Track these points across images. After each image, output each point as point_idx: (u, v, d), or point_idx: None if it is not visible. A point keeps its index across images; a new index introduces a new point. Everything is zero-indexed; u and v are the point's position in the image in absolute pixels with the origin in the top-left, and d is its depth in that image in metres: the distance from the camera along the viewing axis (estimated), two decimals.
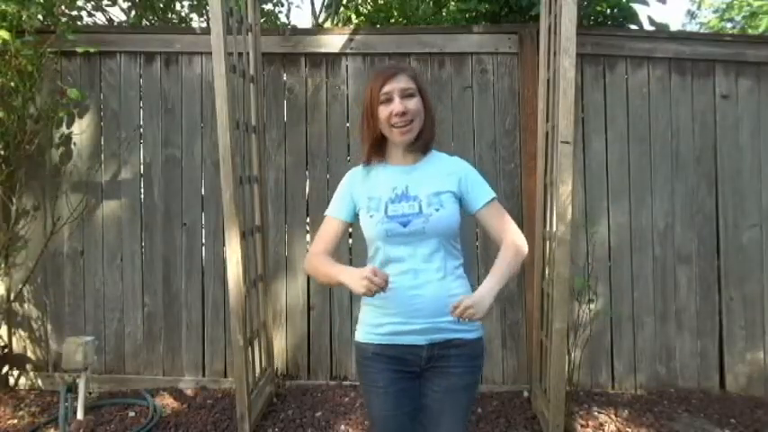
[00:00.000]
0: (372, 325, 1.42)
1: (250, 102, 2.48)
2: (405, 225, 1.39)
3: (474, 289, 1.36)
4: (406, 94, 1.40)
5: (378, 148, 1.46)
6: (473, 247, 2.75)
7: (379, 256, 1.43)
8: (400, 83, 1.40)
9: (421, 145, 1.45)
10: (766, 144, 2.74)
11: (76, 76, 2.77)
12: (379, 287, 1.23)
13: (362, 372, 1.44)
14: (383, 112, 1.40)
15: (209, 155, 2.77)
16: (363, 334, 1.44)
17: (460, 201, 1.46)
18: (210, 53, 2.09)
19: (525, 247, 1.45)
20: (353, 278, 1.26)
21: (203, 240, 2.79)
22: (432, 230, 1.39)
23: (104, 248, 2.78)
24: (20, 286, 2.73)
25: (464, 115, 2.75)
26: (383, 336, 1.40)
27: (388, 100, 1.40)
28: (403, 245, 1.40)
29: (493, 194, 1.48)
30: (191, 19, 4.51)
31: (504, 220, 1.48)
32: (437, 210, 1.40)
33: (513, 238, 1.44)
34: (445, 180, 1.46)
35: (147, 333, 2.78)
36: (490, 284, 1.35)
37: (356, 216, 1.49)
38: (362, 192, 1.47)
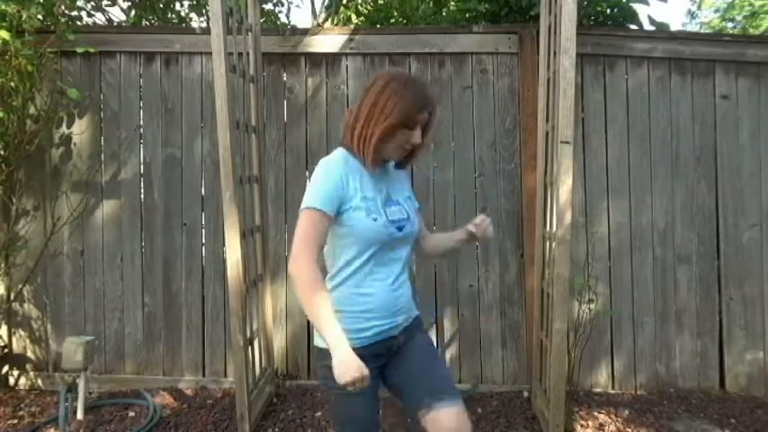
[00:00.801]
0: (354, 331, 1.36)
1: (250, 102, 2.48)
2: (400, 230, 1.43)
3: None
4: (423, 126, 1.40)
5: (365, 150, 1.39)
6: (473, 247, 2.74)
7: (362, 258, 1.39)
8: (426, 114, 1.39)
9: (406, 162, 1.49)
10: (766, 144, 2.74)
11: (76, 76, 2.77)
12: (356, 389, 1.22)
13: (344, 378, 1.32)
14: (405, 133, 1.37)
15: (209, 155, 2.77)
16: (357, 339, 1.37)
17: None
18: (210, 53, 2.09)
19: None
20: (346, 364, 1.21)
21: (203, 240, 2.79)
22: (412, 235, 1.48)
23: (104, 248, 2.78)
24: (20, 286, 2.73)
25: (464, 115, 2.75)
26: (368, 338, 1.39)
27: (414, 126, 1.37)
28: (394, 249, 1.43)
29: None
30: (190, 19, 4.51)
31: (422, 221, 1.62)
32: (414, 216, 1.50)
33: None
34: (405, 186, 1.55)
35: (147, 333, 2.78)
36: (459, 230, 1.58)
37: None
38: (354, 189, 1.39)
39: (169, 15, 4.31)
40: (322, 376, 1.41)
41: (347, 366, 1.21)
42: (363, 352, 1.30)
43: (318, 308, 1.28)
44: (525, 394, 2.66)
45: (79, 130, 2.77)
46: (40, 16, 2.61)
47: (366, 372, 1.22)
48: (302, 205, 1.36)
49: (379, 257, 1.41)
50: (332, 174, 1.38)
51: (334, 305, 1.33)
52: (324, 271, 1.42)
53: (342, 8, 5.06)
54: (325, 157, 1.44)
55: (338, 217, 1.37)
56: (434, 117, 1.42)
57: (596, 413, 2.45)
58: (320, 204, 1.33)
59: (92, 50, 2.66)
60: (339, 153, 1.45)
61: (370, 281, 1.40)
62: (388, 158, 1.44)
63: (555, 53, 2.23)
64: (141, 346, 2.79)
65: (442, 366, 1.52)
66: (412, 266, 1.58)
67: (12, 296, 2.73)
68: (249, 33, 2.46)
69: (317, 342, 1.42)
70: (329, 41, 2.75)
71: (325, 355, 1.31)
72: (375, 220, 1.38)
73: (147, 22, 4.14)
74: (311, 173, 2.79)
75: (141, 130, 2.79)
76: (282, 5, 4.70)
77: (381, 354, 1.43)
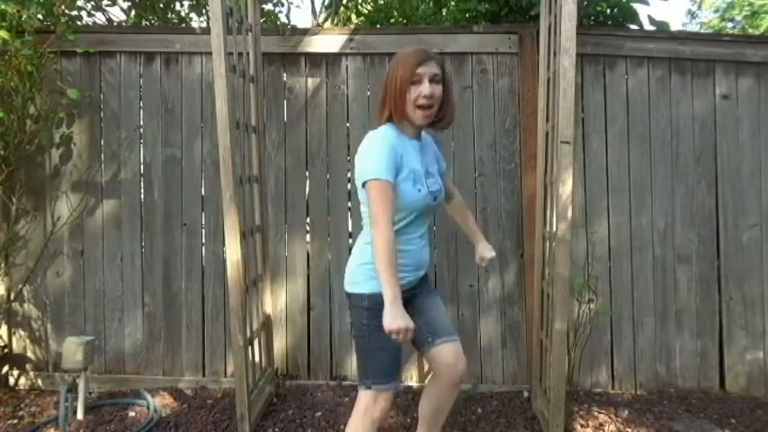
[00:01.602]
0: (398, 276, 1.54)
1: (250, 102, 2.48)
2: (435, 199, 1.67)
3: None
4: (434, 80, 1.57)
5: (397, 120, 1.61)
6: (473, 247, 2.75)
7: (403, 222, 1.62)
8: (431, 68, 1.57)
9: (442, 127, 1.70)
10: (766, 144, 2.74)
11: (76, 76, 2.77)
12: (399, 338, 1.43)
13: (378, 315, 1.49)
14: (412, 91, 1.55)
15: (209, 155, 2.77)
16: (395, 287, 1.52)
17: None
18: (210, 53, 2.09)
19: None
20: (398, 318, 1.41)
21: (203, 240, 2.79)
22: (442, 203, 1.77)
23: (104, 248, 2.78)
24: (20, 286, 2.73)
25: (464, 115, 2.75)
26: (403, 286, 1.58)
27: (419, 81, 1.55)
28: (427, 214, 1.69)
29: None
30: (190, 19, 4.51)
31: (451, 181, 2.01)
32: (444, 186, 1.75)
33: (458, 194, 1.99)
34: (436, 156, 1.79)
35: (147, 333, 2.78)
36: (482, 236, 1.95)
37: None
38: (404, 160, 1.58)
39: (169, 15, 4.31)
40: (358, 315, 1.63)
41: (399, 320, 1.41)
42: (401, 295, 1.52)
43: (388, 267, 1.46)
44: (525, 394, 2.66)
45: (79, 130, 2.77)
46: (39, 16, 2.61)
47: (412, 325, 1.43)
48: (366, 177, 1.52)
49: (416, 221, 1.64)
50: (387, 145, 1.55)
51: (372, 258, 1.53)
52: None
53: (342, 8, 5.06)
54: (374, 131, 1.62)
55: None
56: (438, 70, 1.59)
57: (596, 413, 2.45)
58: (384, 174, 1.50)
59: (92, 50, 2.66)
60: (386, 128, 1.62)
61: (406, 240, 1.63)
62: (419, 123, 1.60)
63: (555, 53, 2.23)
64: (141, 346, 2.79)
65: (445, 315, 1.79)
66: None
67: (12, 296, 2.73)
68: (249, 33, 2.46)
69: (350, 289, 1.67)
70: (329, 41, 2.75)
71: (360, 297, 1.62)
72: (420, 190, 1.59)
73: (147, 22, 4.14)
74: (311, 173, 2.81)
75: (141, 130, 2.79)
76: (282, 5, 4.70)
77: (407, 299, 1.59)
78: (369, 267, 1.61)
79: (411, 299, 1.70)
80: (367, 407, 1.62)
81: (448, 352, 1.71)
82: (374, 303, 1.55)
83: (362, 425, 1.63)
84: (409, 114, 1.58)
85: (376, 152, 1.53)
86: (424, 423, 1.85)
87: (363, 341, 1.64)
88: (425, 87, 1.55)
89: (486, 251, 1.87)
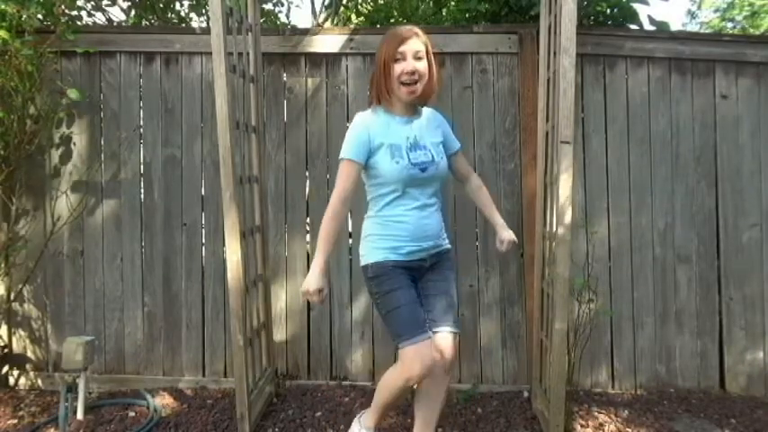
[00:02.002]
0: (391, 249, 1.75)
1: (250, 102, 2.48)
2: (423, 170, 1.73)
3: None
4: (416, 57, 1.69)
5: (384, 98, 1.75)
6: (473, 247, 2.75)
7: (394, 194, 1.74)
8: (413, 46, 1.68)
9: (421, 101, 1.79)
10: (766, 144, 2.74)
11: (76, 76, 2.77)
12: (311, 301, 1.71)
13: (385, 279, 1.73)
14: (396, 69, 1.68)
15: (209, 155, 2.77)
16: (382, 256, 1.75)
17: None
18: (210, 53, 2.09)
19: None
20: (309, 279, 1.67)
21: (203, 240, 2.79)
22: (438, 175, 1.79)
23: (104, 248, 2.78)
24: (20, 286, 2.73)
25: (464, 115, 2.75)
26: (403, 255, 1.75)
27: (402, 59, 1.68)
28: (418, 186, 1.75)
29: (459, 144, 1.96)
30: (190, 19, 4.51)
31: (467, 164, 2.03)
32: (441, 158, 1.79)
33: (476, 176, 2.01)
34: (437, 132, 1.84)
35: (147, 333, 2.78)
36: (502, 220, 1.97)
37: (368, 159, 1.73)
38: (380, 137, 1.72)
39: (169, 15, 4.31)
40: (368, 285, 1.82)
41: (309, 284, 1.66)
42: (398, 264, 1.74)
43: (321, 234, 1.70)
44: (525, 394, 2.66)
45: (79, 130, 2.77)
46: (39, 16, 2.61)
47: (319, 287, 1.66)
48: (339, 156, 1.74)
49: (408, 192, 1.74)
50: (356, 126, 1.75)
51: (376, 230, 1.78)
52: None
53: (342, 8, 5.06)
54: (357, 114, 1.81)
55: (369, 161, 1.73)
56: (421, 47, 1.70)
57: (596, 413, 2.45)
58: (348, 154, 1.71)
59: (92, 50, 2.66)
60: (367, 111, 1.80)
61: (402, 211, 1.75)
62: (405, 99, 1.73)
63: (555, 53, 2.23)
64: (141, 346, 2.79)
65: (448, 301, 1.82)
66: (442, 202, 1.89)
67: (12, 296, 2.73)
68: (249, 33, 2.46)
69: (360, 262, 1.82)
70: (329, 41, 2.75)
71: (365, 268, 1.79)
72: (398, 162, 1.70)
73: (147, 22, 4.14)
74: (311, 173, 2.81)
75: (141, 130, 2.79)
76: (282, 5, 4.71)
77: (414, 268, 1.78)
78: (369, 239, 1.79)
79: (424, 273, 1.81)
80: (403, 365, 1.70)
81: (439, 341, 1.76)
82: (375, 272, 1.75)
83: (397, 382, 1.74)
84: (395, 91, 1.71)
85: (348, 134, 1.75)
86: (418, 415, 1.88)
87: (378, 307, 1.80)
88: (408, 64, 1.67)
89: (504, 232, 1.92)
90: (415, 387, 1.81)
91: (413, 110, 1.81)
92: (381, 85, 1.73)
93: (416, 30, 1.73)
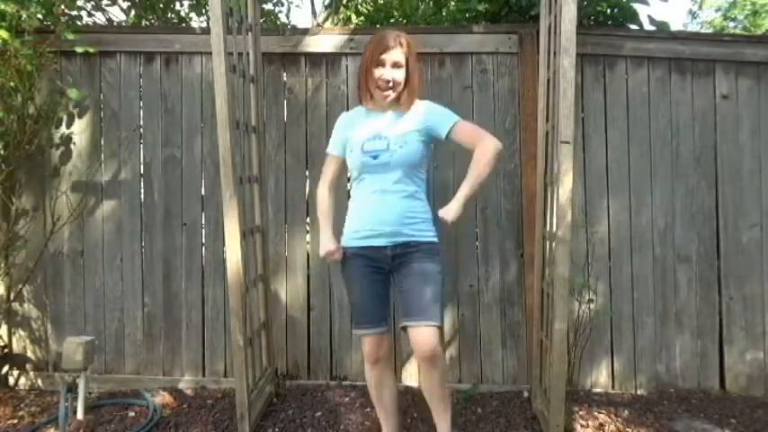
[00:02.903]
0: (351, 231, 1.92)
1: (250, 102, 2.48)
2: (375, 158, 1.84)
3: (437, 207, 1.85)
4: (396, 66, 1.82)
5: (363, 94, 1.91)
6: (473, 247, 2.75)
7: (356, 180, 1.93)
8: (393, 56, 1.81)
9: (397, 104, 1.90)
10: (766, 144, 2.74)
11: (76, 76, 2.77)
12: (331, 261, 1.96)
13: (345, 268, 1.94)
14: (375, 73, 1.82)
15: (209, 155, 2.77)
16: (346, 240, 1.94)
17: (430, 136, 1.90)
18: (210, 53, 2.09)
19: (496, 145, 1.83)
20: (324, 243, 1.93)
21: (203, 240, 2.79)
22: (396, 163, 1.84)
23: (104, 248, 2.78)
24: (20, 286, 2.73)
25: (464, 115, 2.68)
26: (358, 239, 1.89)
27: (381, 65, 1.81)
28: (375, 172, 1.86)
29: (455, 118, 1.89)
30: (190, 19, 4.51)
31: (474, 132, 1.89)
32: (401, 147, 1.84)
33: (484, 144, 1.83)
34: (411, 122, 1.88)
35: (147, 333, 2.78)
36: (459, 194, 1.78)
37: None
38: (348, 131, 1.96)
39: (169, 15, 4.31)
40: (341, 271, 2.01)
41: (326, 244, 1.93)
42: (356, 251, 1.89)
43: (318, 213, 2.02)
44: (525, 394, 2.66)
45: (79, 130, 2.77)
46: (39, 16, 2.61)
47: (332, 247, 1.91)
48: None
49: (365, 178, 1.88)
50: (336, 126, 2.04)
51: (347, 214, 1.97)
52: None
53: (342, 8, 5.06)
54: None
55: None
56: (401, 57, 1.81)
57: (596, 413, 2.45)
58: (329, 149, 2.04)
59: (91, 50, 2.66)
60: (353, 109, 2.04)
61: (361, 195, 1.90)
62: (379, 101, 1.88)
63: (555, 53, 2.23)
64: (141, 346, 2.79)
65: (418, 295, 1.80)
66: (419, 193, 1.91)
67: (12, 296, 2.73)
68: (249, 33, 2.46)
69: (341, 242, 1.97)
70: (329, 41, 2.75)
71: (343, 251, 1.96)
72: (351, 152, 1.91)
73: (147, 22, 4.14)
74: (311, 173, 2.81)
75: (141, 130, 2.79)
76: (282, 5, 4.71)
77: (375, 258, 1.87)
78: (347, 220, 1.98)
79: (397, 267, 1.86)
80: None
81: (414, 334, 1.82)
82: (344, 256, 1.94)
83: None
84: (372, 91, 1.86)
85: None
86: (430, 406, 1.97)
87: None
88: (386, 72, 1.81)
89: (446, 211, 1.77)
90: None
91: (392, 106, 1.91)
92: (362, 82, 1.89)
93: (402, 39, 1.83)
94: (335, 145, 2.01)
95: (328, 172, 2.02)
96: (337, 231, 1.99)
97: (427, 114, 1.91)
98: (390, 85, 1.82)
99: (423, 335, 1.78)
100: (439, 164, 2.73)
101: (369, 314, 1.88)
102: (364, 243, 1.87)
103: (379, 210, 1.84)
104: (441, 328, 1.89)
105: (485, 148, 1.82)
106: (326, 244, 1.92)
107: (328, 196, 2.01)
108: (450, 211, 1.75)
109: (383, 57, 1.80)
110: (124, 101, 2.78)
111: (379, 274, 1.89)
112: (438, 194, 2.74)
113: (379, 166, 1.84)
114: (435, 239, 1.91)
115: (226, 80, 2.06)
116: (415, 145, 1.86)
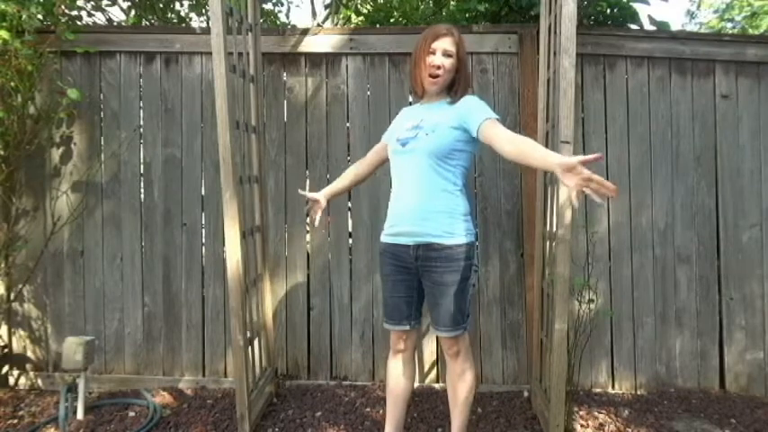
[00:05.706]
0: (387, 226, 1.92)
1: (250, 102, 2.48)
2: (404, 145, 1.85)
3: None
4: (446, 54, 1.82)
5: (416, 87, 1.90)
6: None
7: (392, 168, 1.93)
8: (444, 44, 1.81)
9: (447, 94, 1.89)
10: (766, 144, 2.74)
11: (76, 76, 2.77)
12: (309, 209, 2.08)
13: (381, 266, 1.96)
14: (426, 61, 1.83)
15: (209, 155, 2.77)
16: (382, 235, 1.95)
17: (464, 129, 1.78)
18: (210, 53, 2.09)
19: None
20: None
21: (203, 240, 2.79)
22: (422, 150, 1.79)
23: (104, 248, 2.78)
24: (20, 286, 2.73)
25: None
26: (387, 236, 1.91)
27: (433, 53, 1.82)
28: (403, 160, 1.85)
29: (489, 115, 1.74)
30: (190, 19, 4.52)
31: (507, 131, 1.67)
32: (427, 134, 1.80)
33: (516, 137, 1.63)
34: (448, 114, 1.82)
35: (147, 333, 2.78)
36: (554, 157, 1.54)
37: None
38: (398, 124, 2.00)
39: (169, 15, 4.31)
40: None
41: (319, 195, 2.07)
42: (385, 247, 1.92)
43: (348, 171, 2.13)
44: (525, 394, 2.66)
45: (79, 130, 2.77)
46: (39, 16, 2.61)
47: (314, 199, 2.04)
48: None
49: (399, 168, 1.89)
50: (398, 115, 2.09)
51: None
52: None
53: (342, 8, 5.06)
54: None
55: None
56: (452, 46, 1.82)
57: (596, 413, 2.45)
58: (383, 136, 2.11)
59: (92, 50, 2.66)
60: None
61: (394, 187, 1.92)
62: (429, 89, 1.87)
63: (555, 53, 2.23)
64: (141, 346, 2.79)
65: (438, 306, 1.83)
66: (447, 188, 1.81)
67: (12, 296, 2.73)
68: (249, 33, 2.46)
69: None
70: (329, 41, 2.75)
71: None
72: (389, 140, 1.99)
73: (147, 22, 4.15)
74: (311, 173, 2.82)
75: (141, 130, 2.79)
76: (282, 5, 4.72)
77: (399, 256, 1.87)
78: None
79: (421, 271, 1.85)
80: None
81: (443, 343, 1.92)
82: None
83: None
84: (423, 80, 1.85)
85: None
86: (449, 402, 2.01)
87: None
88: (436, 58, 1.81)
89: (563, 165, 1.51)
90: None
91: (440, 98, 1.90)
92: (415, 75, 1.87)
93: (453, 30, 1.85)
94: (386, 132, 2.09)
95: (369, 153, 2.11)
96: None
97: (465, 106, 1.80)
98: (440, 71, 1.81)
99: (446, 343, 1.89)
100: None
101: (391, 312, 1.94)
102: (391, 240, 1.89)
103: (402, 205, 1.85)
104: (466, 329, 1.87)
105: (519, 140, 1.61)
106: (315, 193, 2.05)
107: (354, 168, 2.11)
108: (566, 159, 1.51)
109: (434, 45, 1.81)
110: (124, 101, 2.78)
111: (404, 274, 1.89)
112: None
113: (406, 153, 1.84)
114: (462, 240, 1.78)
115: (226, 80, 2.06)
116: (444, 132, 1.77)
